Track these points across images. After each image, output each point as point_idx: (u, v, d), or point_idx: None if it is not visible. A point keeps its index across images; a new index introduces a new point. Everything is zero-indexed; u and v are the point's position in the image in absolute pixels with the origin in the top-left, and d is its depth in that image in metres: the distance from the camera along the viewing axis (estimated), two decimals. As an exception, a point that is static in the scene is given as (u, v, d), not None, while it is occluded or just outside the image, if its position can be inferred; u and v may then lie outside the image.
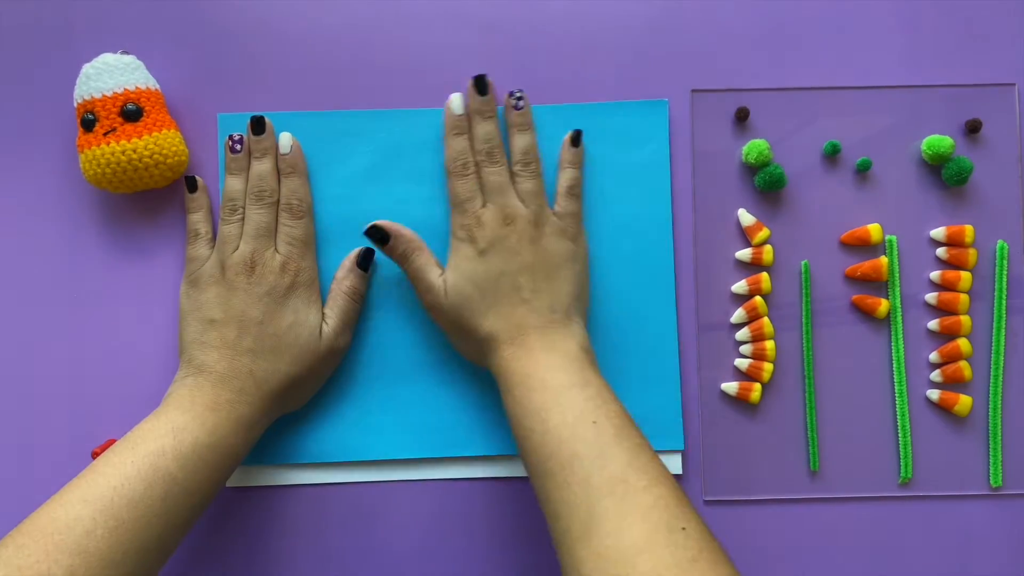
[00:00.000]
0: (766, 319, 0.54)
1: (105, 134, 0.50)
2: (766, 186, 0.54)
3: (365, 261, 0.53)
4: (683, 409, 0.54)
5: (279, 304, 0.49)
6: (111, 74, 0.51)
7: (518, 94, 0.53)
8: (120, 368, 0.54)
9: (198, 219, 0.52)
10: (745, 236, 0.55)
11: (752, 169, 0.54)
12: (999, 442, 0.54)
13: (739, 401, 0.54)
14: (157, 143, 0.51)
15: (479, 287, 0.49)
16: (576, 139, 0.53)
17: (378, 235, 0.51)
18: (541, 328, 0.48)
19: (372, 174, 0.54)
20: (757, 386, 0.54)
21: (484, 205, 0.50)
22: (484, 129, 0.52)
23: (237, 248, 0.50)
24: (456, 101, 0.52)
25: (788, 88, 0.55)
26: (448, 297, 0.50)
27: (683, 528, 0.38)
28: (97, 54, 0.51)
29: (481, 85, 0.52)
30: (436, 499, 0.54)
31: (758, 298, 0.54)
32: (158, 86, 0.52)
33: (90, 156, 0.51)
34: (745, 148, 0.54)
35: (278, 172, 0.52)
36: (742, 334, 0.54)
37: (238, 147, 0.52)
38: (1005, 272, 0.54)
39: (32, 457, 0.53)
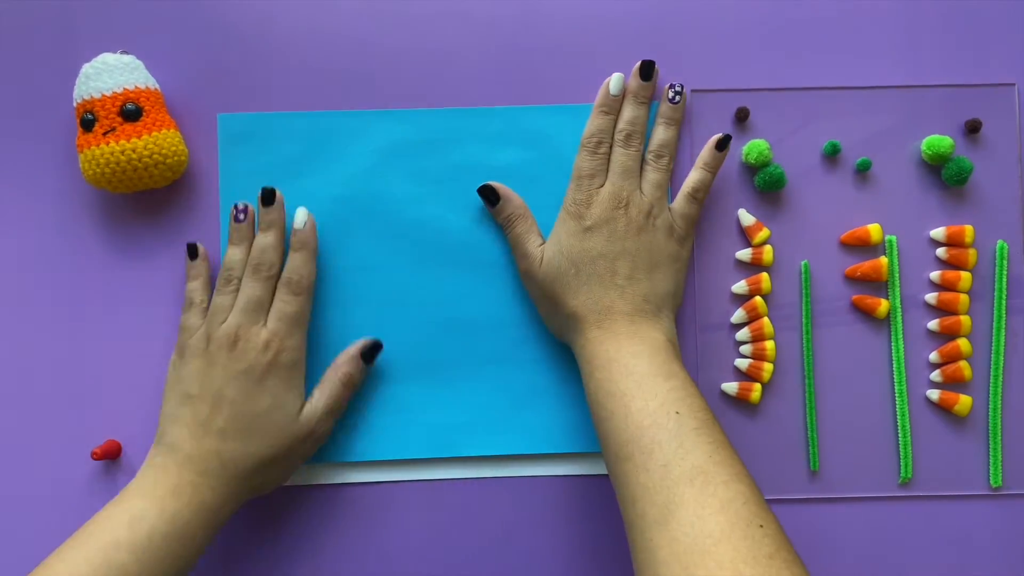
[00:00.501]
0: (766, 319, 0.54)
1: (104, 134, 0.50)
2: (766, 186, 0.54)
3: (371, 355, 0.52)
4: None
5: (256, 384, 0.48)
6: (111, 74, 0.51)
7: (677, 88, 0.52)
8: (118, 368, 0.54)
9: (195, 287, 0.51)
10: (745, 236, 0.55)
11: (752, 169, 0.54)
12: (999, 442, 0.54)
13: (739, 401, 0.54)
14: (156, 143, 0.51)
15: (575, 263, 0.49)
16: (722, 143, 0.52)
17: (489, 195, 0.52)
18: (629, 315, 0.48)
19: (373, 174, 0.54)
20: (757, 386, 0.54)
21: (602, 186, 0.50)
22: (633, 112, 0.52)
23: (225, 320, 0.49)
24: (615, 82, 0.52)
25: (788, 88, 0.55)
26: (542, 268, 0.50)
27: (761, 526, 0.37)
28: (97, 54, 0.51)
29: (647, 71, 0.52)
30: (437, 499, 0.54)
31: (758, 298, 0.54)
32: (157, 86, 0.52)
33: (89, 156, 0.51)
34: (745, 148, 0.54)
35: (282, 246, 0.51)
36: (742, 334, 0.54)
37: (241, 216, 0.51)
38: (1005, 272, 0.54)
39: (29, 457, 0.53)
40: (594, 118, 0.52)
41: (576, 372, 0.54)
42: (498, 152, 0.54)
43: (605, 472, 0.54)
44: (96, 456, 0.51)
